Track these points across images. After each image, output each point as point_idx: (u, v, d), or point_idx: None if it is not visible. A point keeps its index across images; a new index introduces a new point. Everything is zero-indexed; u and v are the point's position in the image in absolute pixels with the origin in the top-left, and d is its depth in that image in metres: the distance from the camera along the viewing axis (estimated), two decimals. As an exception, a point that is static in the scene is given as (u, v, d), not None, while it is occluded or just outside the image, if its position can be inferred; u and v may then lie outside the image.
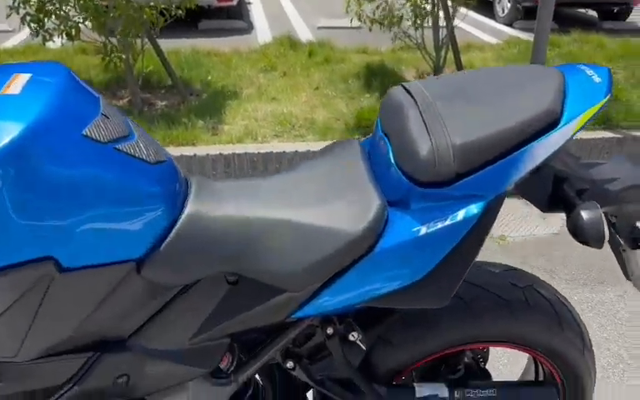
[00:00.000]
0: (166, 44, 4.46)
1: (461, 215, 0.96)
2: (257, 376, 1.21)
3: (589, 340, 1.32)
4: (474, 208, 0.96)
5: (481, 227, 0.97)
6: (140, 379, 1.04)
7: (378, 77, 4.67)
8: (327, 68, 5.08)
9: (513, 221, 3.29)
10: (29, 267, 0.87)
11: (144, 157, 0.99)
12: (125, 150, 0.97)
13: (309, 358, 1.14)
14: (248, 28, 7.17)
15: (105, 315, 0.98)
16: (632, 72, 5.06)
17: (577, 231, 0.99)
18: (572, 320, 1.29)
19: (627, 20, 7.52)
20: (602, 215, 0.99)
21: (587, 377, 1.31)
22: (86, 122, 0.94)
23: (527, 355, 1.40)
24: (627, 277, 1.27)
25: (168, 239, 0.98)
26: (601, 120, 3.84)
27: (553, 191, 1.07)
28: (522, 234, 3.15)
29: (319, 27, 6.99)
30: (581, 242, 1.00)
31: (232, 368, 1.13)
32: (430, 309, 1.20)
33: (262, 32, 6.86)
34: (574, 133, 0.98)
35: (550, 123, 0.97)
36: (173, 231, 0.99)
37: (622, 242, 1.18)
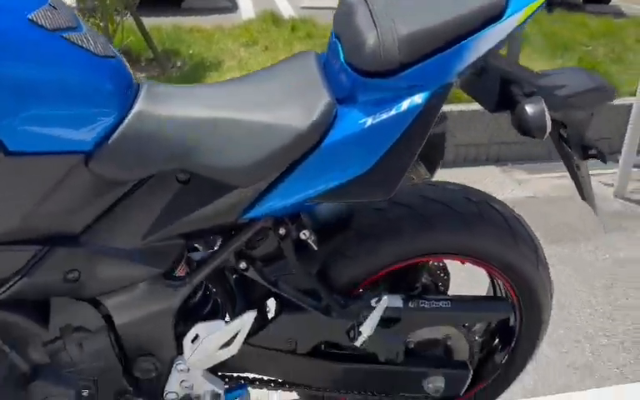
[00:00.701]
0: (147, 21, 4.42)
1: (405, 105, 0.98)
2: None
3: (544, 256, 1.35)
4: (418, 98, 0.97)
5: (425, 117, 0.98)
6: (91, 277, 1.05)
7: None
8: (310, 43, 5.07)
9: (491, 185, 3.32)
10: (-29, 146, 0.88)
11: (92, 49, 0.99)
12: (72, 40, 0.97)
13: (263, 261, 1.15)
14: (232, 8, 7.13)
15: (54, 207, 0.98)
16: (611, 48, 5.12)
17: (522, 123, 1.00)
18: (527, 235, 1.31)
19: (610, 4, 7.61)
20: (545, 108, 1.01)
21: (542, 293, 1.34)
22: (32, 8, 0.94)
23: (486, 275, 1.42)
24: (582, 197, 1.30)
25: (116, 134, 0.99)
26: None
27: (500, 91, 1.08)
28: (500, 198, 3.18)
29: (302, 7, 6.97)
30: (525, 133, 1.01)
31: (185, 271, 1.13)
32: (384, 221, 1.23)
33: (247, 11, 6.83)
34: (517, 26, 0.99)
35: (494, 16, 0.98)
36: (121, 126, 0.99)
37: (574, 155, 1.20)
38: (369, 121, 0.99)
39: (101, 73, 0.99)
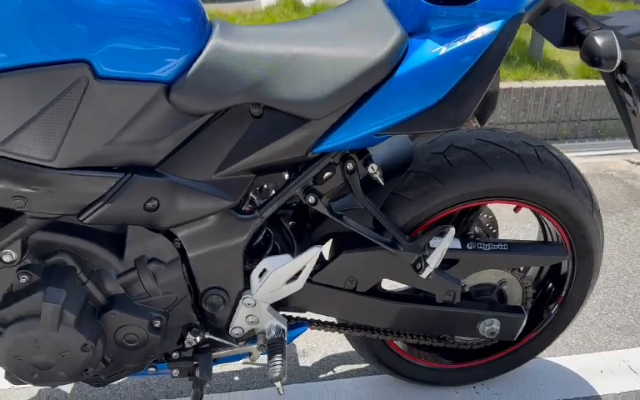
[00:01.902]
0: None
1: (479, 34, 1.00)
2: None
3: (597, 204, 1.36)
4: (492, 27, 1.00)
5: (498, 46, 1.01)
6: (168, 207, 1.08)
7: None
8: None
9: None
10: (66, 67, 0.91)
11: None
12: None
13: (329, 196, 1.18)
14: (252, -5, 7.16)
15: (136, 136, 1.01)
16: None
17: (592, 53, 1.02)
18: (582, 181, 1.33)
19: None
20: (616, 39, 1.03)
21: (595, 240, 1.35)
22: None
23: (537, 218, 1.44)
24: (635, 145, 1.31)
25: (195, 66, 1.02)
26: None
27: (567, 27, 1.10)
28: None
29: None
30: (594, 64, 1.03)
31: (256, 204, 1.17)
32: (444, 163, 1.25)
33: (267, -1, 6.86)
34: None
35: None
36: (200, 58, 1.02)
37: (631, 99, 1.22)
38: (443, 49, 1.01)
39: (182, 5, 1.02)
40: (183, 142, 1.07)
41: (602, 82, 3.73)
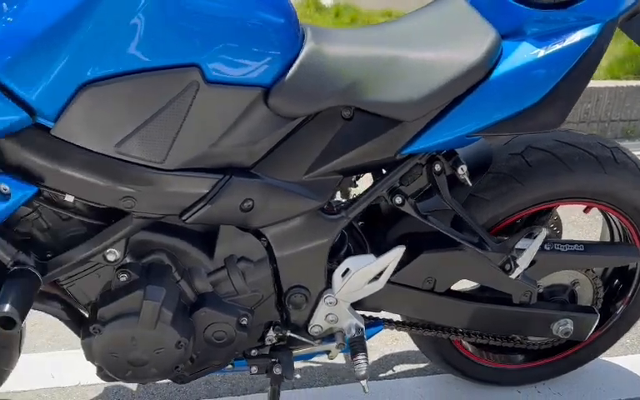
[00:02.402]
0: None
1: (578, 37, 1.01)
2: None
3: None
4: (592, 30, 1.01)
5: (596, 49, 1.02)
6: (262, 207, 1.10)
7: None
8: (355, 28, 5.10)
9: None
10: (180, 71, 0.93)
11: None
12: None
13: (415, 197, 1.19)
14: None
15: (236, 139, 1.03)
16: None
17: None
18: (656, 182, 1.34)
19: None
20: None
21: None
22: None
23: (605, 218, 1.45)
24: None
25: (292, 70, 1.03)
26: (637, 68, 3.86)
27: None
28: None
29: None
30: None
31: (340, 204, 1.19)
32: (523, 164, 1.26)
33: None
34: None
35: None
36: (296, 62, 1.04)
37: None
38: (541, 52, 1.02)
39: (281, 11, 1.04)
40: (277, 144, 1.09)
41: (632, 83, 3.73)
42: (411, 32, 1.15)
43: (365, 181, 1.21)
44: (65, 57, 0.86)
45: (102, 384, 1.64)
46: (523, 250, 1.21)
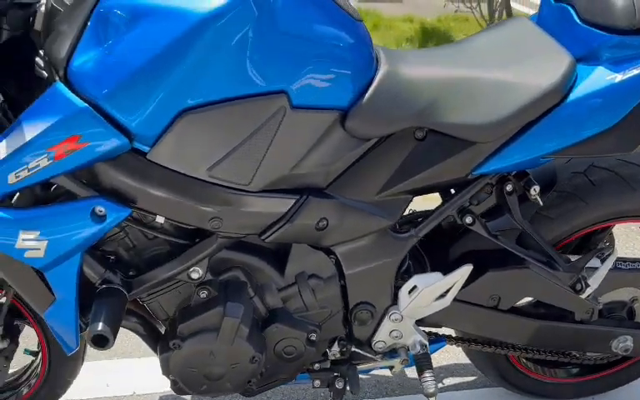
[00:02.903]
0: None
1: (655, 62, 1.03)
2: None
3: None
4: None
5: None
6: (335, 226, 1.12)
7: (434, 40, 4.72)
8: (378, 34, 5.12)
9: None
10: (269, 98, 0.96)
11: (350, 13, 1.06)
12: (338, 3, 1.04)
13: (484, 216, 1.21)
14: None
15: (314, 160, 1.06)
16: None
17: None
18: None
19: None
20: None
21: None
22: None
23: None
24: None
25: (369, 93, 1.06)
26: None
27: None
28: None
29: (360, 0, 7.04)
30: None
31: (410, 222, 1.21)
32: (586, 183, 1.27)
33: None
34: None
35: None
36: (372, 85, 1.06)
37: None
38: (618, 77, 1.04)
39: (360, 35, 1.06)
40: (350, 165, 1.11)
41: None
42: (483, 53, 1.17)
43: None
44: (166, 86, 0.89)
45: (157, 393, 1.67)
46: (592, 269, 1.22)
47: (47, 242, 0.95)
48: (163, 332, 1.19)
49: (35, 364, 1.45)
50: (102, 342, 0.99)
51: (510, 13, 4.76)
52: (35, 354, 1.43)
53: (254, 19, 0.90)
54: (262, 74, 0.94)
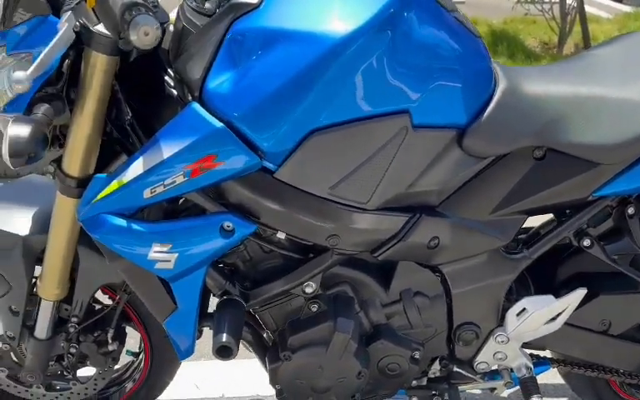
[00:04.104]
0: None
1: None
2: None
3: None
4: None
5: None
6: (447, 244, 1.11)
7: (504, 43, 4.60)
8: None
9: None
10: (393, 118, 0.96)
11: (471, 30, 1.05)
12: (460, 20, 1.03)
13: (602, 239, 1.17)
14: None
15: (429, 179, 1.05)
16: None
17: None
18: None
19: None
20: None
21: None
22: None
23: None
24: None
25: (488, 110, 1.04)
26: None
27: None
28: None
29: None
30: None
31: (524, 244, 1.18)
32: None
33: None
34: None
35: None
36: (493, 101, 1.04)
37: None
38: None
39: (481, 52, 1.05)
40: (464, 183, 1.09)
41: None
42: (603, 70, 1.13)
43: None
44: (299, 107, 0.91)
45: (245, 397, 1.71)
46: None
47: (177, 254, 0.98)
48: (271, 343, 1.21)
49: (135, 364, 1.50)
50: (226, 353, 1.02)
51: (583, 17, 4.57)
52: (136, 355, 1.49)
53: (387, 41, 0.90)
54: (389, 94, 0.94)
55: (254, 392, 1.70)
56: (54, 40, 0.88)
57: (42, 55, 0.87)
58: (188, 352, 1.12)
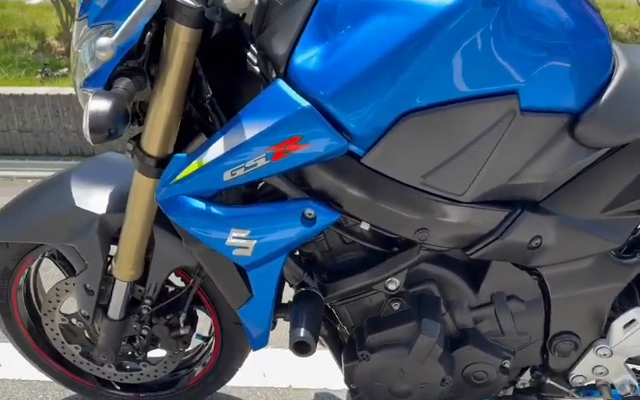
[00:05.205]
0: None
1: None
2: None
3: None
4: None
5: None
6: (551, 245, 0.99)
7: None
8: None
9: None
10: (499, 100, 0.85)
11: (591, 3, 0.92)
12: None
13: None
14: None
15: (535, 170, 0.94)
16: None
17: None
18: None
19: None
20: None
21: None
22: None
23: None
24: None
25: (605, 95, 0.91)
26: None
27: None
28: None
29: None
30: None
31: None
32: None
33: None
34: None
35: None
36: (612, 85, 0.92)
37: None
38: None
39: (599, 28, 0.92)
40: (574, 177, 0.97)
41: None
42: None
43: None
44: (394, 86, 0.82)
45: (312, 389, 1.66)
46: None
47: (255, 241, 0.93)
48: (347, 339, 1.14)
49: (205, 349, 1.48)
50: (304, 348, 0.96)
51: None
52: (206, 339, 1.47)
53: (496, 13, 0.80)
54: (495, 72, 0.83)
55: (322, 384, 1.64)
56: (138, 7, 0.83)
57: (126, 22, 0.83)
58: (261, 343, 1.07)
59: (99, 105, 0.81)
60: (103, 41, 0.80)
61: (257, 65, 0.96)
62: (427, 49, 0.80)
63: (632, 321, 1.06)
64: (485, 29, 0.80)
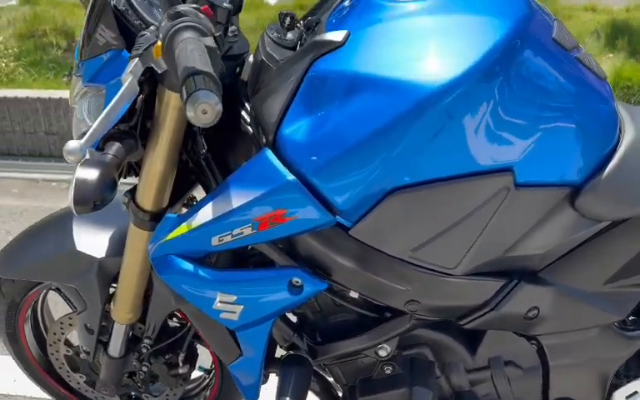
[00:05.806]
0: None
1: None
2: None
3: None
4: None
5: None
6: (549, 315, 0.96)
7: (624, 36, 4.10)
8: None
9: None
10: (493, 177, 0.82)
11: (595, 70, 0.88)
12: (581, 60, 0.86)
13: None
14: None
15: (532, 242, 0.91)
16: None
17: None
18: None
19: None
20: None
21: None
22: (551, 25, 0.86)
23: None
24: None
25: (610, 166, 0.88)
26: None
27: None
28: None
29: None
30: None
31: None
32: None
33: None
34: None
35: None
36: (615, 157, 0.88)
37: None
38: None
39: (604, 98, 0.88)
40: (573, 249, 0.93)
41: None
42: None
43: None
44: (382, 163, 0.80)
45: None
46: None
47: (242, 307, 0.92)
48: (340, 393, 1.13)
49: (207, 382, 1.50)
50: None
51: None
52: (208, 372, 1.48)
53: (493, 91, 0.77)
54: (489, 151, 0.81)
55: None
56: (108, 107, 0.82)
57: (95, 124, 0.81)
58: (253, 396, 1.07)
59: (87, 174, 0.81)
60: (72, 144, 0.80)
61: (249, 125, 0.95)
62: (415, 129, 0.78)
63: (635, 392, 1.02)
64: (478, 108, 0.77)
